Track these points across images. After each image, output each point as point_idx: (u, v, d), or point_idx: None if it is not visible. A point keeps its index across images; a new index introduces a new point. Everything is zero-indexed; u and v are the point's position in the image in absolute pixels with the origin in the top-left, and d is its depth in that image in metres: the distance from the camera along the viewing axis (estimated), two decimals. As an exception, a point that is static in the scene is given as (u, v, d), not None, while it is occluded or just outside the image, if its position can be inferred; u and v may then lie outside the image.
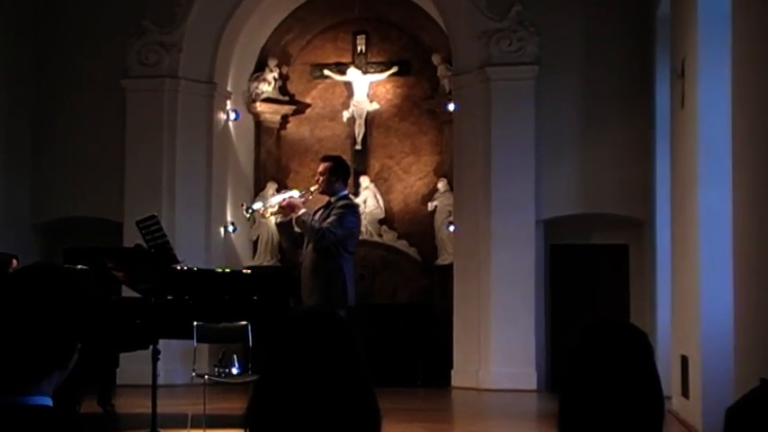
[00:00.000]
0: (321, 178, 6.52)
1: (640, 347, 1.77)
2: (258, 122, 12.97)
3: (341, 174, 6.54)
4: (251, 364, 7.30)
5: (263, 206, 6.79)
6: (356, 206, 6.65)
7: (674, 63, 8.72)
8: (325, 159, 6.67)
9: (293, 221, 6.38)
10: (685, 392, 7.87)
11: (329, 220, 6.30)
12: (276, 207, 6.56)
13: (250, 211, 6.88)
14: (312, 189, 6.61)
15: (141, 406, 7.63)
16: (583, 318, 1.91)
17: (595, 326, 1.80)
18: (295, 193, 6.59)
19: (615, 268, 11.13)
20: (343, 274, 6.29)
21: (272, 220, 11.50)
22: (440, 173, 12.53)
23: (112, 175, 11.35)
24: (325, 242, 6.25)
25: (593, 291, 11.08)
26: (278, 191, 12.48)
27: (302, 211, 6.34)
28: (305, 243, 6.44)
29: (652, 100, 10.35)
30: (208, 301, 7.36)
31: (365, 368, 1.75)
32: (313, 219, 6.33)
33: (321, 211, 6.48)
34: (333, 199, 6.47)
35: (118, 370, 7.99)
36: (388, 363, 10.85)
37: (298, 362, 1.72)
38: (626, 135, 10.73)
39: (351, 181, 12.39)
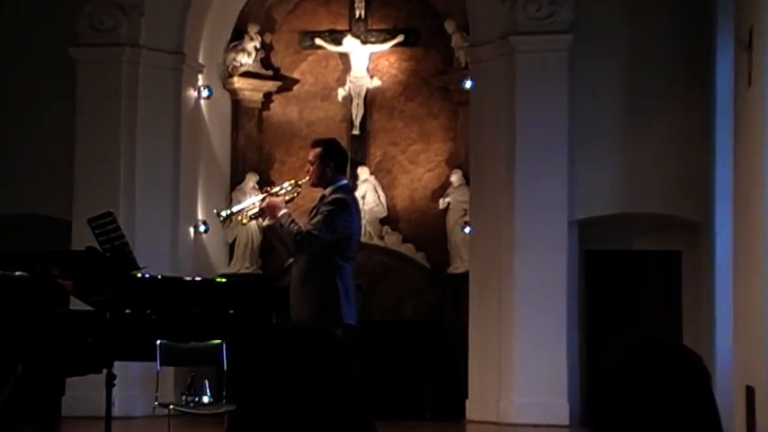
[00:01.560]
0: (311, 167, 6.49)
1: (695, 374, 1.76)
2: (236, 101, 12.96)
3: (335, 160, 6.50)
4: (225, 391, 7.29)
5: (239, 210, 6.78)
6: (351, 201, 6.56)
7: (738, 32, 8.70)
8: (315, 144, 6.63)
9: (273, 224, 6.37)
10: (751, 430, 7.86)
11: (314, 219, 6.27)
12: (256, 209, 6.54)
13: (222, 216, 6.84)
14: (301, 182, 6.58)
15: (93, 441, 7.62)
16: (625, 338, 1.90)
17: (640, 348, 1.79)
18: (286, 186, 6.57)
19: (664, 279, 11.11)
20: (337, 286, 6.26)
21: (254, 223, 11.60)
22: (453, 163, 12.52)
23: (59, 165, 11.33)
24: (307, 249, 6.19)
25: (637, 306, 11.07)
26: (259, 184, 12.51)
27: (282, 211, 6.30)
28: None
29: (711, 77, 10.32)
30: (174, 316, 7.35)
31: (364, 398, 1.75)
32: (293, 221, 6.27)
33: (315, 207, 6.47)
34: (326, 192, 6.44)
35: (64, 398, 7.99)
36: (391, 391, 10.84)
37: (283, 389, 1.72)
38: (679, 119, 10.71)
39: (347, 172, 12.45)
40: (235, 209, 6.85)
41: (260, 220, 6.57)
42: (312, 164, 6.47)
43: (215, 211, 7.05)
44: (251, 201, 6.82)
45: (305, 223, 6.30)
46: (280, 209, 6.31)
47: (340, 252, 6.32)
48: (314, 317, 6.11)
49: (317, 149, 6.50)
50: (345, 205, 6.38)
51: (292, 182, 6.62)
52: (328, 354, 1.74)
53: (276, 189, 6.59)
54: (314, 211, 6.41)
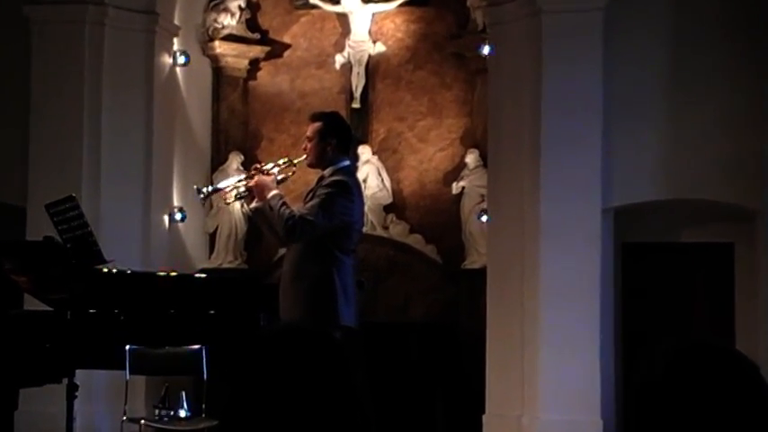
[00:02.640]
0: (309, 144, 6.50)
1: (749, 382, 1.77)
2: (217, 69, 12.96)
3: (338, 137, 6.52)
4: (205, 404, 7.31)
5: (223, 187, 6.79)
6: (352, 184, 6.58)
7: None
8: (314, 118, 6.65)
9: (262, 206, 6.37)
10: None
11: (309, 203, 6.28)
12: (242, 188, 6.55)
13: (203, 194, 6.85)
14: (297, 161, 6.60)
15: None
16: (668, 343, 1.90)
17: (685, 352, 1.79)
18: (280, 164, 6.59)
19: (713, 276, 11.11)
20: (334, 282, 6.28)
21: (237, 206, 11.62)
22: (469, 142, 12.52)
23: (12, 143, 11.33)
24: (300, 236, 6.21)
25: (682, 307, 11.07)
26: (244, 165, 12.53)
27: (272, 192, 6.31)
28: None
29: (767, 48, 10.32)
30: (146, 317, 7.38)
31: (367, 413, 1.76)
32: (284, 203, 6.28)
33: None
34: (326, 173, 6.45)
35: (16, 413, 8.02)
36: (397, 405, 10.86)
37: (272, 402, 1.72)
38: (734, 92, 10.67)
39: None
40: (219, 185, 6.87)
41: (246, 201, 6.57)
42: (310, 140, 6.49)
43: (195, 187, 7.05)
44: (237, 178, 6.83)
45: (298, 208, 6.32)
46: (270, 189, 6.32)
47: (338, 243, 6.34)
48: (306, 317, 6.12)
49: (317, 124, 6.52)
50: (346, 188, 6.39)
51: (286, 159, 6.64)
52: (326, 360, 1.74)
53: (267, 166, 6.60)
54: (310, 195, 6.43)
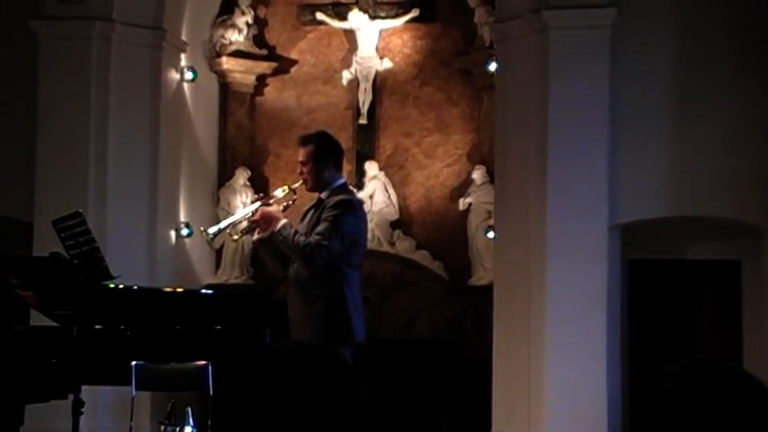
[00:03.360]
0: (304, 169, 6.53)
1: (757, 403, 1.76)
2: (224, 85, 12.98)
3: (328, 156, 6.55)
4: (211, 420, 7.31)
5: (229, 225, 6.81)
6: (356, 201, 6.64)
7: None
8: (304, 142, 6.65)
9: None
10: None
11: (319, 228, 6.30)
12: (245, 223, 6.58)
13: (211, 235, 6.85)
14: (295, 186, 6.62)
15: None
16: (675, 362, 1.90)
17: (692, 373, 1.79)
18: (278, 194, 6.62)
19: (722, 293, 11.08)
20: (346, 298, 6.33)
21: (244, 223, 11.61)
22: (476, 158, 12.52)
23: (18, 157, 11.35)
24: (318, 263, 6.25)
25: (689, 325, 11.04)
26: (250, 181, 12.55)
27: (281, 223, 6.33)
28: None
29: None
30: (152, 333, 7.37)
31: (371, 429, 1.75)
32: (296, 231, 6.31)
33: (312, 212, 6.50)
34: (324, 195, 6.49)
35: (22, 429, 8.00)
36: (404, 421, 10.84)
37: (278, 419, 1.72)
38: (742, 106, 10.65)
39: (353, 167, 12.48)
40: (223, 224, 6.87)
41: (253, 233, 6.59)
42: (305, 165, 6.50)
43: (201, 229, 7.07)
44: (242, 213, 6.86)
45: (302, 232, 6.34)
46: (278, 219, 6.35)
47: (347, 259, 6.38)
48: (320, 334, 6.16)
49: (309, 147, 6.53)
50: (352, 207, 6.45)
51: (285, 188, 6.65)
52: (332, 379, 1.74)
53: (266, 199, 6.63)
54: (308, 217, 6.46)
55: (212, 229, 6.78)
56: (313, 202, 6.57)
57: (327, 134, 6.85)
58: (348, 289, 6.35)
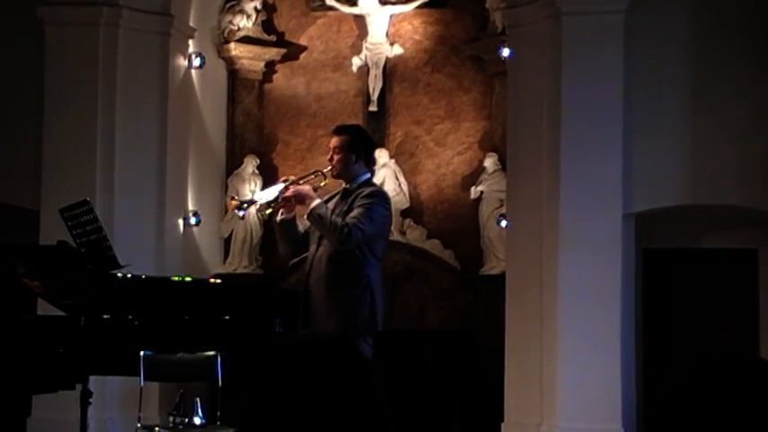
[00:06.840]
0: (335, 157, 6.65)
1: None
2: (233, 72, 12.97)
3: (361, 149, 6.71)
4: (220, 411, 7.32)
5: (261, 199, 6.87)
6: (387, 195, 6.87)
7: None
8: (338, 131, 6.83)
9: (305, 217, 6.50)
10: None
11: (354, 213, 6.42)
12: (279, 199, 6.64)
13: (244, 207, 6.96)
14: (325, 171, 6.75)
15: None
16: (692, 352, 1.90)
17: (709, 362, 1.79)
18: (309, 176, 6.76)
19: (738, 282, 11.08)
20: (372, 288, 6.45)
21: (253, 210, 11.63)
22: (487, 146, 12.50)
23: (25, 146, 11.37)
24: (352, 243, 6.42)
25: (705, 315, 11.04)
26: (259, 169, 12.55)
27: (316, 201, 6.47)
28: (315, 247, 6.54)
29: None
30: (160, 323, 7.39)
31: (388, 420, 1.75)
32: (333, 211, 6.47)
33: (336, 201, 6.61)
34: (351, 186, 6.63)
35: (29, 419, 8.05)
36: (415, 411, 10.85)
37: (291, 411, 1.72)
38: (755, 96, 10.62)
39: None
40: (256, 197, 6.97)
41: (278, 213, 6.67)
42: (337, 153, 6.65)
43: (234, 197, 7.16)
44: (274, 188, 6.89)
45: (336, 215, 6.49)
46: (312, 198, 6.48)
47: (373, 249, 6.54)
48: (346, 325, 6.25)
49: (344, 137, 6.73)
50: (386, 199, 6.77)
51: (315, 170, 6.83)
52: (348, 370, 1.74)
53: (297, 179, 6.78)
54: (332, 203, 6.58)
55: (252, 199, 6.93)
56: (334, 192, 6.72)
57: (364, 129, 7.08)
58: (375, 278, 6.49)
